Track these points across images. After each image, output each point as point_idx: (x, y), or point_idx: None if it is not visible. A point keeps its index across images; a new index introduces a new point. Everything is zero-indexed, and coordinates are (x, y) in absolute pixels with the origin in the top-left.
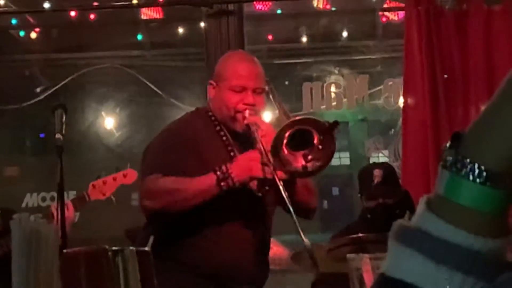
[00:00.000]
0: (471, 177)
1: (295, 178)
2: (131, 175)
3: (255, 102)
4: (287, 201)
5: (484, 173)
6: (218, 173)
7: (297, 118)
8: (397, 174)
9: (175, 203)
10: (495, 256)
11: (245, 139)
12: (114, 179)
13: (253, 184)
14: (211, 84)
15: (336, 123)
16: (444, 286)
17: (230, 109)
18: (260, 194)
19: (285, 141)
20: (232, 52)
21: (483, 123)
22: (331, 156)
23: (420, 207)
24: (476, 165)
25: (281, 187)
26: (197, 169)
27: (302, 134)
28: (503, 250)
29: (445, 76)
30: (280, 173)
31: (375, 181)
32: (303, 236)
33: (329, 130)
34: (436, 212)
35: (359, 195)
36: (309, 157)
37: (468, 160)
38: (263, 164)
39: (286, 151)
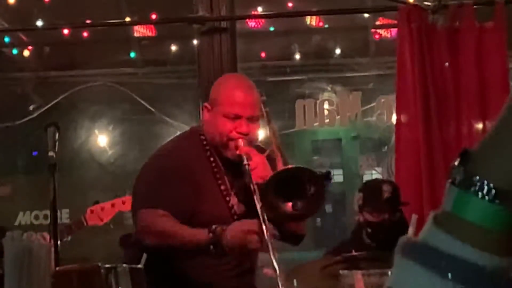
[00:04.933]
0: (480, 195)
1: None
2: (129, 202)
3: (249, 131)
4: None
5: (493, 191)
6: (211, 234)
7: (290, 167)
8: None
9: (167, 246)
10: (501, 274)
11: (236, 167)
12: (113, 205)
13: None
14: (206, 107)
15: (328, 174)
16: None
17: (223, 136)
18: None
19: (274, 185)
20: (229, 75)
21: (493, 141)
22: (319, 207)
23: (427, 223)
24: (486, 183)
25: (270, 251)
26: (190, 200)
27: (293, 179)
28: (509, 269)
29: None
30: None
31: (385, 196)
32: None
33: (321, 180)
34: (443, 228)
35: (357, 207)
36: (298, 205)
37: (477, 177)
38: (260, 235)
39: (274, 196)
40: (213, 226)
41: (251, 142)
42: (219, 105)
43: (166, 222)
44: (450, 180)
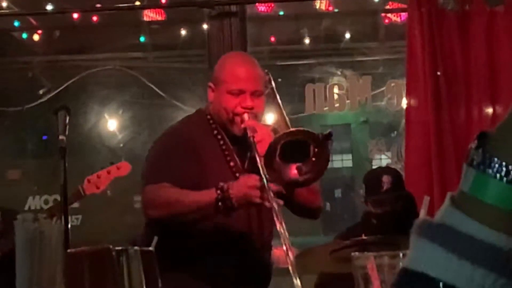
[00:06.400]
0: (498, 176)
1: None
2: (124, 167)
3: (253, 105)
4: (278, 223)
5: None
6: (219, 191)
7: (291, 130)
8: (402, 177)
9: (175, 214)
10: None
11: (244, 143)
12: (108, 172)
13: None
14: (210, 87)
15: (330, 134)
16: (465, 280)
17: (229, 112)
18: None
19: (278, 151)
20: (230, 53)
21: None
22: (324, 169)
23: (444, 203)
24: (504, 164)
25: (275, 211)
26: (196, 174)
27: (297, 144)
28: None
29: (438, 73)
30: (275, 188)
31: (384, 187)
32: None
33: (323, 141)
34: (461, 209)
35: (362, 199)
36: (303, 169)
37: (495, 159)
38: (262, 190)
39: (279, 162)
40: (220, 184)
41: (256, 116)
42: (223, 83)
43: (169, 191)
44: (467, 162)
